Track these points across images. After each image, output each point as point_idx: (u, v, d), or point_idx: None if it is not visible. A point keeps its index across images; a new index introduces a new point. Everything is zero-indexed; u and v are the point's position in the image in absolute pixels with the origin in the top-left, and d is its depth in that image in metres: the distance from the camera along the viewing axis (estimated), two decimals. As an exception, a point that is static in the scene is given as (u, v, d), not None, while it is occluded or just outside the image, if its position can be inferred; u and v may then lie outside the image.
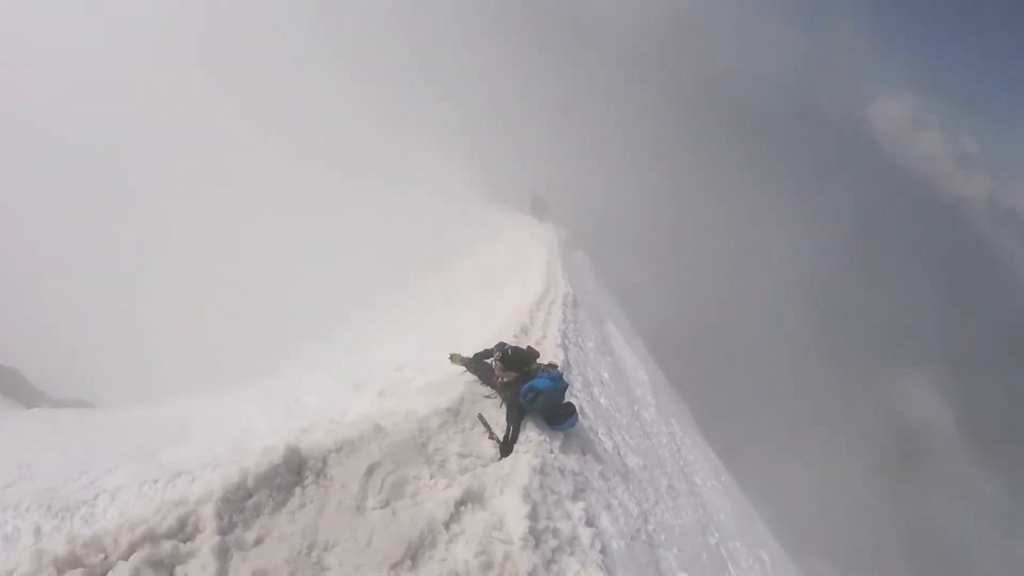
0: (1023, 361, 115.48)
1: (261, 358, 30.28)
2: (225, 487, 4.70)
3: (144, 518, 4.24)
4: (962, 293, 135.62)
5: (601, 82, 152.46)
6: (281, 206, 60.12)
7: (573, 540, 6.18)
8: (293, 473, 5.36)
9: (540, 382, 7.93)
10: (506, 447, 7.39)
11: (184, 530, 4.33)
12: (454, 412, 7.91)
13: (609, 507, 8.00)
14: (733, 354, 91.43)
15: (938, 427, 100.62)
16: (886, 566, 65.13)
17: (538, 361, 8.72)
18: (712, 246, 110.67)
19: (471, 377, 9.08)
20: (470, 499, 5.95)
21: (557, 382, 8.15)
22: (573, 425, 8.55)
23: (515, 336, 12.98)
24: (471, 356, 9.29)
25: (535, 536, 5.69)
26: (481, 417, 7.98)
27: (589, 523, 6.72)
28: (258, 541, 4.50)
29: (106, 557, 3.95)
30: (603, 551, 6.41)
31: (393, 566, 4.71)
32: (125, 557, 3.96)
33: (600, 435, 10.52)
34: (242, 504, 4.74)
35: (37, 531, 6.39)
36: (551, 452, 7.65)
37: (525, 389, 7.84)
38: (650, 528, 8.87)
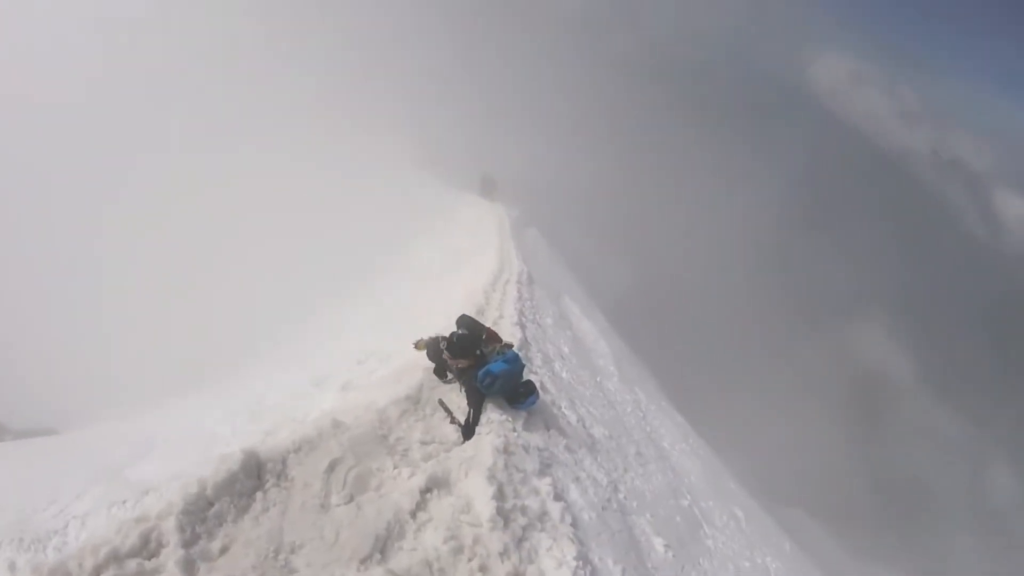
0: (973, 305, 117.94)
1: (226, 362, 29.96)
2: (185, 499, 4.66)
3: (106, 538, 4.20)
4: (910, 243, 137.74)
5: (540, 57, 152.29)
6: (231, 208, 59.40)
7: (543, 516, 6.20)
8: (252, 478, 5.32)
9: (496, 366, 7.90)
10: (468, 430, 7.39)
11: (148, 547, 4.29)
12: (414, 400, 7.91)
13: (577, 480, 8.04)
14: (692, 318, 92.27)
15: (896, 373, 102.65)
16: (856, 509, 66.30)
17: (497, 343, 8.73)
18: (662, 213, 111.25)
19: (430, 364, 9.03)
20: (435, 485, 5.96)
21: (513, 363, 8.12)
22: (534, 403, 8.52)
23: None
24: (428, 339, 9.18)
25: (503, 516, 5.70)
26: (441, 402, 7.99)
27: (558, 497, 6.73)
28: (223, 550, 4.48)
29: (73, 582, 3.91)
30: (574, 524, 6.44)
31: (363, 561, 4.70)
32: (91, 581, 3.92)
33: (563, 409, 10.55)
34: (203, 514, 4.70)
35: (12, 566, 6.28)
36: (514, 431, 7.66)
37: (482, 374, 7.81)
38: (621, 496, 8.93)
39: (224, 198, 59.99)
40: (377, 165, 68.34)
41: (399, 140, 78.80)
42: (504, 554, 5.23)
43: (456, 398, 8.15)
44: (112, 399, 34.09)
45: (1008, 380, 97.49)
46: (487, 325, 10.02)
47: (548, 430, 8.75)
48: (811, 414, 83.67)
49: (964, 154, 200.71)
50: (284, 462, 5.69)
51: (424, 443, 6.88)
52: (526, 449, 7.41)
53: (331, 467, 5.78)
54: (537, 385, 9.05)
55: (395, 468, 6.16)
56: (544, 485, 6.78)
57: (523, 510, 6.04)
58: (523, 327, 14.08)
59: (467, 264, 25.62)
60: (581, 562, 5.68)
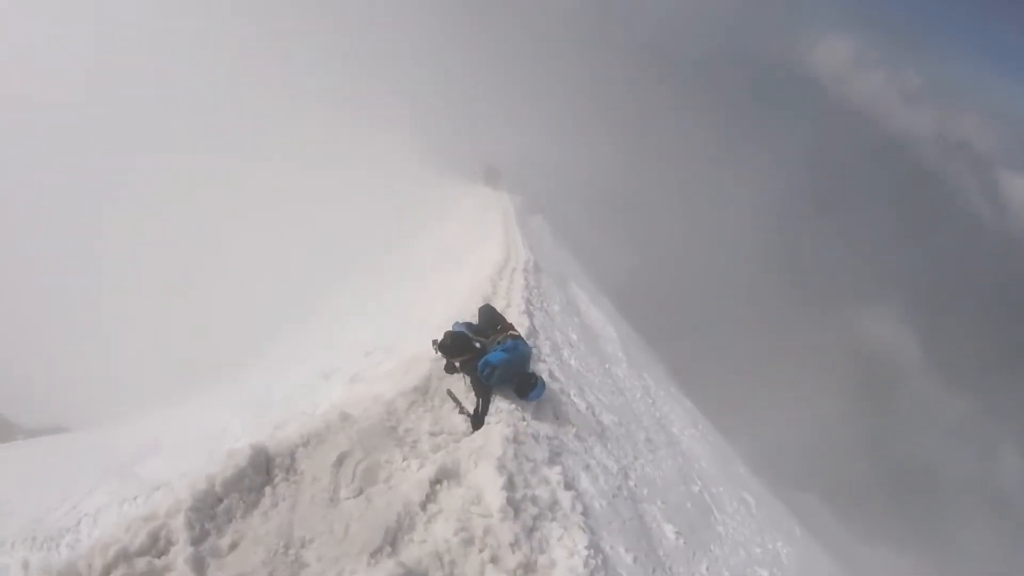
0: (980, 288, 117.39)
1: (231, 358, 29.97)
2: (194, 496, 4.64)
3: (116, 537, 4.17)
4: (916, 226, 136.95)
5: (542, 45, 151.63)
6: (231, 206, 59.34)
7: (553, 505, 6.19)
8: (261, 473, 5.30)
9: (494, 356, 7.90)
10: (477, 420, 7.39)
11: (157, 545, 4.26)
12: (422, 391, 7.88)
13: (587, 468, 8.01)
14: (699, 303, 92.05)
15: (904, 356, 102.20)
16: (864, 493, 66.15)
17: (510, 332, 8.77)
18: (667, 199, 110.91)
19: (436, 355, 8.98)
20: (445, 477, 5.93)
21: (511, 352, 8.12)
22: (540, 394, 8.44)
23: (479, 307, 12.93)
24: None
25: (514, 506, 5.69)
26: (450, 392, 7.97)
27: (568, 486, 6.72)
28: (233, 546, 4.45)
29: (83, 583, 3.89)
30: (585, 512, 6.43)
31: (373, 554, 4.68)
32: (101, 581, 3.90)
33: (572, 397, 10.51)
34: (212, 511, 4.67)
35: (25, 565, 6.29)
36: (523, 420, 7.65)
37: (481, 365, 7.81)
38: (631, 484, 8.90)
39: (225, 196, 59.99)
40: (380, 159, 68.25)
41: (401, 134, 78.64)
42: (515, 544, 5.21)
43: (465, 388, 8.13)
44: (117, 396, 34.22)
45: (1016, 363, 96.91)
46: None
47: (557, 418, 8.72)
48: (819, 398, 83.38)
49: (970, 136, 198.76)
50: (293, 456, 5.66)
51: (433, 434, 6.85)
52: (536, 438, 7.39)
53: (340, 460, 5.75)
54: (545, 376, 9.05)
55: (404, 460, 6.13)
56: (554, 474, 6.76)
57: (534, 500, 6.02)
58: (530, 315, 14.04)
59: (473, 254, 25.52)
60: (592, 551, 5.67)
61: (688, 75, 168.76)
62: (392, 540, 4.91)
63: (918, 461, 78.97)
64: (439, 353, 8.37)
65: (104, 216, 59.02)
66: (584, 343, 16.48)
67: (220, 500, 4.79)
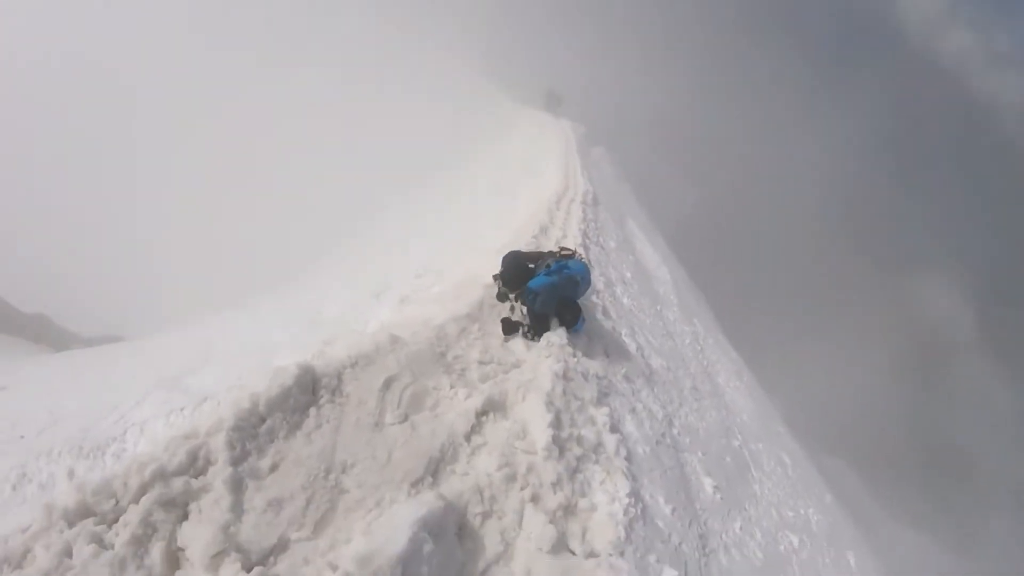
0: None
1: (280, 272, 30.25)
2: (236, 414, 4.57)
3: (153, 456, 4.11)
4: (989, 198, 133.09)
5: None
6: (290, 114, 59.47)
7: (598, 447, 6.10)
8: (307, 393, 5.23)
9: (535, 281, 7.77)
10: (534, 332, 7.66)
11: (195, 464, 4.21)
12: (473, 318, 7.82)
13: (634, 411, 7.91)
14: (755, 247, 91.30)
15: (959, 333, 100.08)
16: (897, 466, 65.67)
17: (562, 251, 8.71)
18: (735, 137, 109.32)
19: (489, 280, 8.91)
20: (492, 408, 5.86)
21: (557, 274, 7.91)
22: (579, 329, 8.29)
23: (534, 236, 12.80)
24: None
25: (559, 445, 5.60)
26: (504, 320, 7.87)
27: (614, 429, 6.62)
28: (273, 468, 4.39)
29: (117, 502, 3.84)
30: (628, 458, 6.33)
31: (414, 483, 4.60)
32: (136, 500, 3.85)
33: (623, 336, 10.41)
34: (255, 431, 4.61)
35: (71, 474, 6.36)
36: (574, 356, 7.56)
37: (526, 292, 7.78)
38: (675, 432, 8.79)
39: (280, 107, 60.10)
40: (440, 76, 67.74)
41: (463, 51, 77.93)
42: (557, 485, 5.13)
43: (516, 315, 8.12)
44: (172, 306, 34.80)
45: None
46: (552, 246, 9.92)
47: (608, 357, 8.63)
48: (866, 363, 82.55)
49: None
50: (339, 377, 5.58)
51: (482, 363, 6.77)
52: (585, 376, 7.29)
53: (387, 384, 5.67)
54: (598, 313, 8.99)
55: (452, 388, 6.05)
56: (601, 415, 6.66)
57: (579, 440, 5.94)
58: (586, 248, 13.91)
59: (531, 181, 25.31)
60: (633, 499, 5.56)
61: (767, 12, 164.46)
62: (434, 470, 4.83)
63: (956, 444, 77.92)
64: (500, 285, 8.27)
65: (166, 122, 59.57)
66: (637, 282, 16.33)
67: (263, 420, 4.72)
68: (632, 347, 10.32)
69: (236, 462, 4.30)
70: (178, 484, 3.98)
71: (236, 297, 25.81)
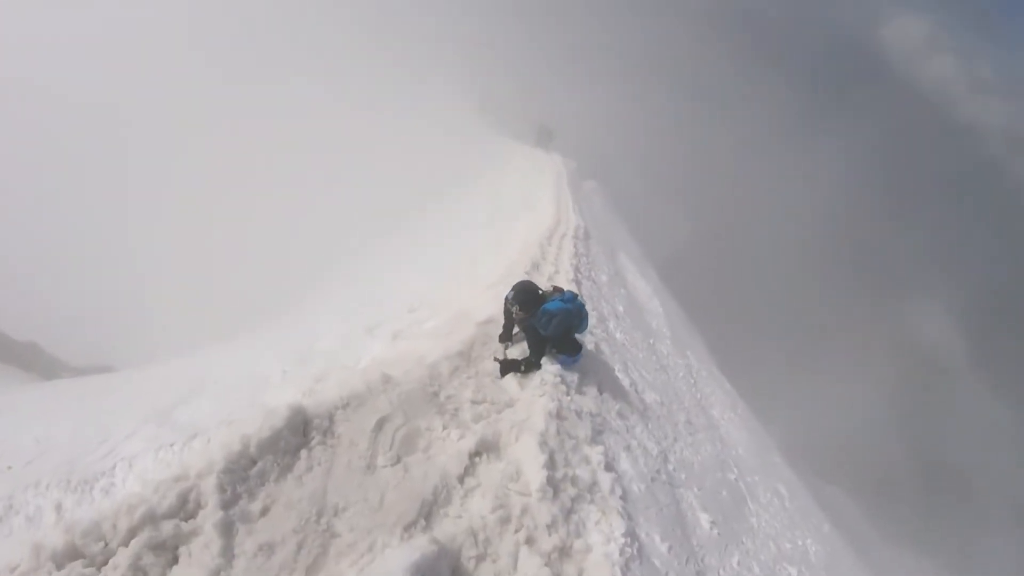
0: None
1: (272, 303, 30.24)
2: (226, 456, 4.52)
3: (143, 498, 4.07)
4: (977, 221, 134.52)
5: (601, 4, 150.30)
6: (282, 146, 59.74)
7: (592, 487, 6.05)
8: (298, 434, 5.17)
9: (552, 304, 7.86)
10: (532, 364, 7.65)
11: (185, 507, 4.16)
12: (465, 356, 7.79)
13: (628, 448, 7.87)
14: (747, 276, 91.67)
15: (951, 355, 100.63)
16: (894, 490, 65.66)
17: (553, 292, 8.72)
18: (725, 167, 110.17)
19: (482, 317, 8.95)
20: (485, 449, 5.81)
21: (570, 303, 8.06)
22: (576, 362, 8.42)
23: (526, 272, 12.79)
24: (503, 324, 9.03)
25: (553, 486, 5.54)
26: (502, 361, 7.83)
27: (608, 467, 6.58)
28: (264, 511, 4.33)
29: (106, 544, 3.79)
30: (623, 496, 6.29)
31: (407, 527, 4.56)
32: (125, 543, 3.81)
33: (617, 372, 10.37)
34: (245, 473, 4.56)
35: (59, 508, 6.27)
36: (567, 395, 7.51)
37: (540, 313, 7.77)
38: (670, 468, 8.76)
39: (272, 138, 60.33)
40: (432, 110, 68.16)
41: (456, 85, 78.54)
42: (552, 526, 5.08)
43: (511, 353, 8.11)
44: (163, 337, 34.73)
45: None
46: (544, 281, 10.03)
47: (601, 394, 8.58)
48: (860, 389, 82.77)
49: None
50: (331, 418, 5.54)
51: (475, 402, 6.71)
52: (579, 414, 7.25)
53: (379, 425, 5.63)
54: (591, 348, 9.00)
55: (444, 429, 6.00)
56: (596, 454, 6.61)
57: (573, 480, 5.88)
58: (578, 283, 13.89)
59: (523, 215, 25.41)
60: (629, 539, 5.51)
61: (752, 39, 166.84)
62: (427, 514, 4.78)
63: (952, 465, 78.03)
64: (516, 309, 8.21)
65: (155, 154, 59.77)
66: (630, 316, 16.32)
67: (254, 462, 4.67)
68: (626, 382, 10.29)
69: (226, 505, 4.24)
70: (168, 527, 3.94)
71: (228, 328, 25.77)
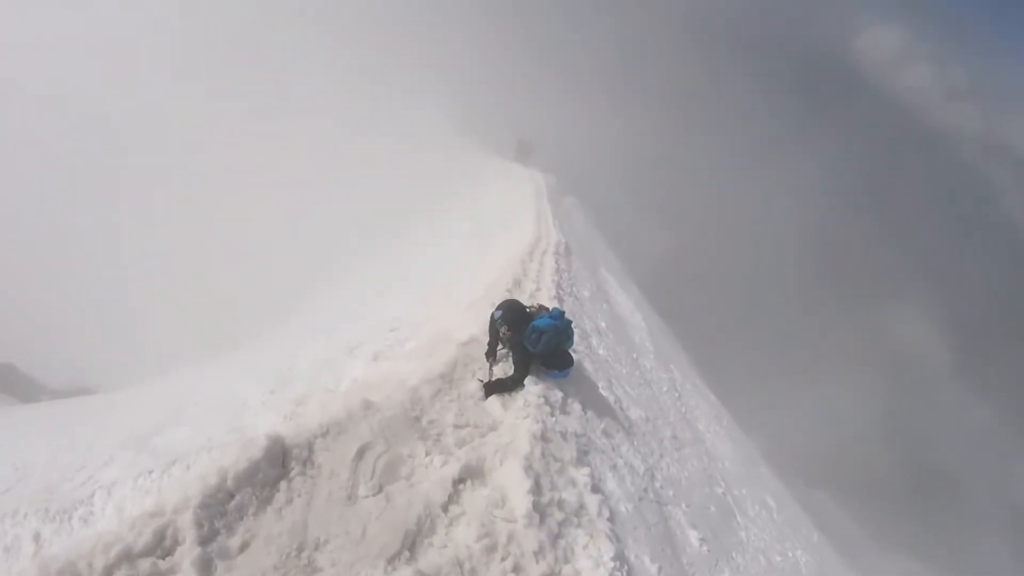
0: (1014, 295, 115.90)
1: (255, 322, 30.08)
2: (203, 491, 4.40)
3: (119, 535, 3.95)
4: (954, 226, 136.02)
5: (578, 21, 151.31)
6: (264, 164, 59.57)
7: (579, 510, 5.95)
8: (276, 466, 5.05)
9: (541, 321, 7.93)
10: (516, 382, 7.63)
11: (162, 544, 4.04)
12: (447, 379, 7.68)
13: (614, 467, 7.79)
14: (728, 287, 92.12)
15: (932, 358, 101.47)
16: (881, 493, 65.96)
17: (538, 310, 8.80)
18: (705, 178, 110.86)
19: (463, 337, 8.88)
20: (469, 475, 5.71)
21: (558, 320, 8.13)
22: (565, 376, 8.50)
23: (507, 290, 12.72)
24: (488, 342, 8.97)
25: (539, 511, 5.45)
26: (486, 383, 7.75)
27: (595, 489, 6.49)
28: (243, 547, 4.22)
29: (82, 585, 3.68)
30: (611, 518, 6.19)
31: (391, 559, 4.45)
32: (101, 582, 3.69)
33: (601, 389, 10.29)
34: (223, 507, 4.44)
35: (37, 537, 6.15)
36: (552, 416, 7.41)
37: (528, 331, 7.82)
38: (657, 485, 8.69)
39: (251, 160, 60.24)
40: (412, 127, 68.19)
41: (435, 102, 78.64)
42: (539, 553, 4.99)
43: (494, 373, 8.00)
44: (143, 359, 34.46)
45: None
46: (527, 299, 10.05)
47: (586, 412, 8.49)
48: (844, 395, 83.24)
49: (1013, 138, 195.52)
50: (310, 448, 5.41)
51: (458, 426, 6.61)
52: (563, 436, 7.14)
53: (360, 453, 5.51)
54: (575, 361, 8.92)
55: (427, 455, 5.89)
56: (581, 475, 6.52)
57: (560, 504, 5.79)
58: (561, 300, 13.82)
59: (504, 232, 25.35)
60: (618, 562, 5.43)
61: (728, 52, 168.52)
62: (411, 544, 4.67)
63: (938, 466, 78.58)
64: (504, 329, 8.13)
65: (133, 180, 59.48)
66: (613, 332, 16.29)
67: (232, 495, 4.54)
68: (610, 400, 10.22)
69: (204, 541, 4.13)
70: (145, 566, 3.82)
71: (209, 349, 25.61)
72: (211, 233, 52.81)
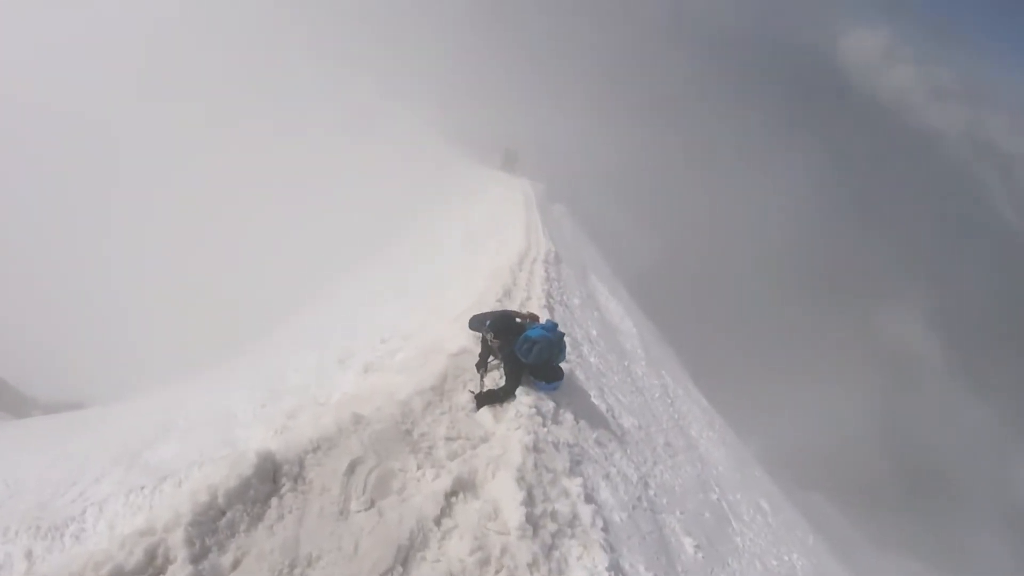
0: (1004, 292, 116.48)
1: (247, 333, 30.00)
2: (194, 508, 4.36)
3: (109, 554, 3.92)
4: (942, 225, 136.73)
5: (562, 28, 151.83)
6: (253, 176, 59.48)
7: (573, 520, 5.96)
8: (267, 482, 5.02)
9: (533, 331, 7.92)
10: (508, 393, 7.61)
11: (154, 563, 4.00)
12: (438, 391, 7.63)
13: (608, 477, 7.79)
14: (719, 292, 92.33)
15: (925, 358, 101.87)
16: (877, 493, 66.07)
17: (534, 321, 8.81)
18: (691, 183, 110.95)
19: (454, 348, 8.86)
20: (461, 488, 5.69)
21: (550, 331, 8.10)
22: (556, 388, 8.49)
23: (498, 300, 12.71)
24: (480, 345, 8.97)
25: (532, 523, 5.45)
26: (477, 394, 7.74)
27: (588, 499, 6.48)
28: (235, 564, 4.19)
29: (73, 603, 3.66)
30: (605, 528, 6.19)
31: (383, 574, 4.44)
32: (93, 602, 3.67)
33: (593, 398, 10.28)
34: (214, 524, 4.41)
35: (29, 555, 6.11)
36: (544, 426, 7.41)
37: (520, 341, 7.80)
38: (651, 493, 8.69)
39: (242, 171, 60.13)
40: (400, 137, 68.23)
41: (422, 111, 78.72)
42: (533, 565, 4.99)
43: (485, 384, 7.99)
44: (134, 372, 34.31)
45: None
46: (517, 308, 10.07)
47: (578, 422, 8.47)
48: (838, 396, 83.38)
49: (998, 136, 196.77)
50: (301, 463, 5.39)
51: (450, 439, 6.57)
52: (556, 446, 7.14)
53: (351, 468, 5.49)
54: (566, 372, 8.91)
55: (419, 468, 5.87)
56: (575, 486, 6.51)
57: (553, 515, 5.79)
58: (551, 308, 13.82)
59: (492, 241, 25.33)
60: (613, 572, 5.44)
61: (713, 57, 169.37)
62: (404, 559, 4.65)
63: (935, 466, 78.75)
64: (491, 336, 8.18)
65: (121, 196, 59.31)
66: (604, 339, 16.27)
67: (223, 513, 4.51)
68: (602, 408, 10.21)
69: (196, 560, 4.10)
70: (136, 585, 3.79)
71: (203, 358, 25.52)
72: (205, 243, 52.71)
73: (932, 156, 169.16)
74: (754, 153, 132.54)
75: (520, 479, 5.89)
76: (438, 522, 5.18)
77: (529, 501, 5.68)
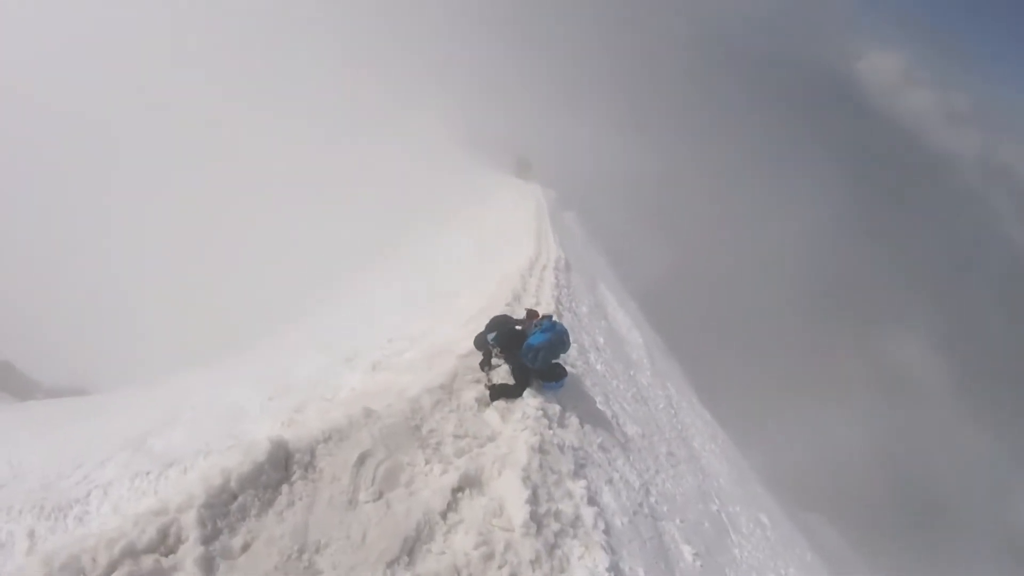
0: (1014, 318, 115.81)
1: (253, 329, 30.02)
2: (207, 490, 4.44)
3: (123, 532, 3.97)
4: (953, 249, 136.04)
5: (581, 39, 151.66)
6: (266, 176, 59.53)
7: (575, 521, 6.02)
8: (279, 469, 5.10)
9: (535, 338, 7.99)
10: (517, 392, 7.74)
11: (166, 542, 4.07)
12: (447, 389, 7.70)
13: (610, 481, 7.84)
14: (727, 307, 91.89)
15: (930, 382, 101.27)
16: (875, 516, 65.68)
17: (535, 319, 8.89)
18: (704, 197, 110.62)
19: (463, 349, 8.93)
20: (468, 484, 5.77)
21: (550, 331, 8.16)
22: (559, 387, 8.51)
23: (507, 304, 12.77)
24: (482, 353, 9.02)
25: (536, 521, 5.53)
26: (491, 386, 7.87)
27: (591, 502, 6.54)
28: (245, 547, 4.26)
29: (85, 579, 3.71)
30: (607, 530, 6.25)
31: (389, 564, 4.50)
32: (105, 577, 3.72)
33: (598, 404, 10.32)
34: (226, 508, 4.48)
35: (31, 534, 6.17)
36: (550, 428, 7.46)
37: (524, 350, 7.91)
38: (652, 500, 8.72)
39: (254, 169, 60.15)
40: (413, 141, 68.21)
41: (436, 116, 78.63)
42: (535, 562, 5.07)
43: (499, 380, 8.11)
44: (139, 360, 34.38)
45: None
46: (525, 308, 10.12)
47: (583, 426, 8.53)
48: (840, 416, 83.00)
49: (1013, 161, 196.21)
50: (313, 453, 5.46)
51: (457, 437, 6.65)
52: (561, 448, 7.21)
53: (361, 460, 5.56)
54: (571, 377, 8.97)
55: (427, 463, 5.95)
56: (578, 488, 6.58)
57: (556, 515, 5.86)
58: (560, 315, 13.84)
59: (504, 247, 25.35)
60: (613, 573, 5.50)
61: (731, 73, 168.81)
62: (410, 550, 4.72)
63: (935, 489, 78.24)
64: (497, 351, 8.33)
65: (127, 185, 59.47)
66: (610, 347, 16.29)
67: (235, 497, 4.58)
68: (607, 415, 10.25)
69: (207, 540, 4.17)
70: (148, 562, 3.85)
71: (207, 354, 25.55)
72: (211, 238, 52.81)
73: (946, 178, 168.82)
74: (767, 170, 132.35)
75: (526, 478, 5.97)
76: (444, 516, 5.25)
77: (534, 500, 5.75)
